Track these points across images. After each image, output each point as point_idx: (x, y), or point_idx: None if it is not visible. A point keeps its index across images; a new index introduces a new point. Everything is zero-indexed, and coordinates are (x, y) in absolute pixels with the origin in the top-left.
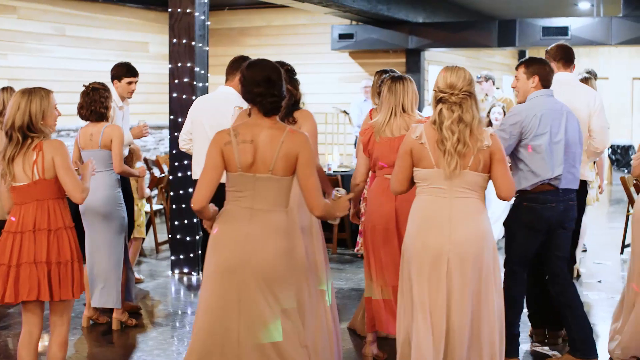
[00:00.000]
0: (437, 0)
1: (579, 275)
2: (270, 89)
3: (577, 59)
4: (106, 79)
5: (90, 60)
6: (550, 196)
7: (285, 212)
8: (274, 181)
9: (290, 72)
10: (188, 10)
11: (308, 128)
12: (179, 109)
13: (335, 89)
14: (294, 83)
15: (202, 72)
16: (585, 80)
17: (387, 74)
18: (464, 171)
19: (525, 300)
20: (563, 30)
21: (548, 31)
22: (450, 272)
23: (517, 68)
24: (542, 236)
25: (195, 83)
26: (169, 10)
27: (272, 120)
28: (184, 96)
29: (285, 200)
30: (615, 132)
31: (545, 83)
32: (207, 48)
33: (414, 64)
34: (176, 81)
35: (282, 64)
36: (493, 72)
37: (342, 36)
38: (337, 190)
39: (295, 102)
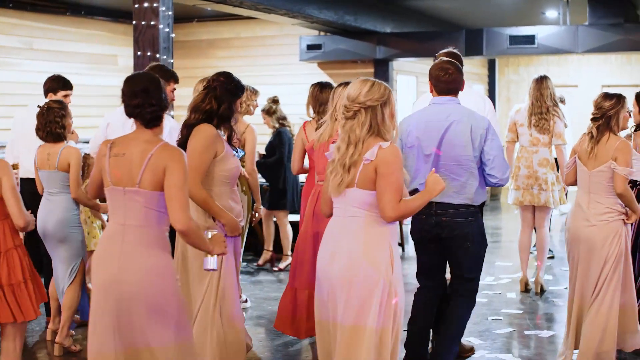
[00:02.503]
0: (405, 11)
1: (543, 291)
2: (148, 99)
3: (547, 68)
4: (78, 92)
5: (60, 74)
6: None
7: (160, 228)
8: (142, 195)
9: (223, 84)
10: (152, 23)
11: (191, 144)
12: None
13: (304, 99)
14: (224, 97)
15: None
16: (545, 78)
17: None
18: (349, 189)
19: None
20: (530, 39)
21: (515, 40)
22: (330, 293)
23: None
24: (429, 248)
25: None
26: (134, 23)
27: (153, 132)
28: None
29: (162, 215)
30: None
31: (439, 89)
32: (172, 60)
33: (382, 74)
34: None
35: (219, 74)
36: None
37: (310, 47)
38: (209, 230)
39: (211, 117)
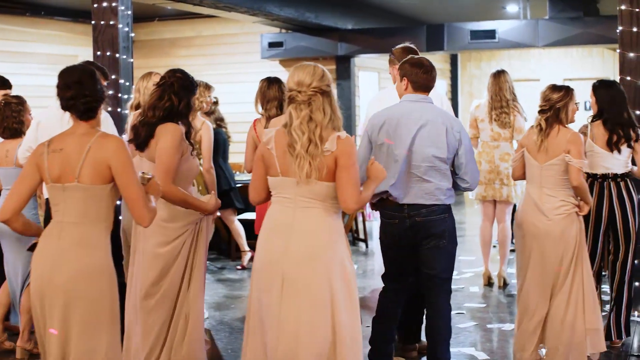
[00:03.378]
0: (365, 7)
1: (506, 284)
2: (81, 90)
3: (509, 62)
4: (37, 92)
5: (20, 74)
6: (393, 212)
7: (99, 226)
8: (81, 190)
9: (180, 80)
10: (111, 23)
11: (162, 144)
12: None
13: None
14: (182, 94)
15: (127, 84)
16: (503, 72)
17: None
18: (308, 179)
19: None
20: (491, 34)
21: (476, 35)
22: (285, 287)
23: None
24: (401, 253)
25: (120, 95)
26: (93, 23)
27: (89, 125)
28: (109, 109)
29: (102, 212)
30: None
31: (416, 86)
32: (132, 60)
33: (344, 70)
34: None
35: (174, 71)
36: None
37: (271, 44)
38: (143, 173)
39: (172, 114)
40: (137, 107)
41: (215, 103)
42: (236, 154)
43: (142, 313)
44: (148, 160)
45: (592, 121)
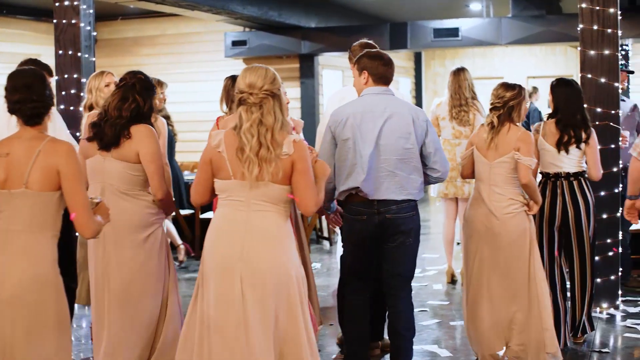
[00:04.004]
0: (329, 5)
1: (454, 280)
2: (29, 95)
3: (473, 60)
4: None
5: None
6: (361, 207)
7: (46, 234)
8: (29, 197)
9: (142, 82)
10: (73, 21)
11: (145, 151)
12: (66, 121)
13: None
14: (145, 94)
15: None
16: (462, 70)
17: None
18: (261, 182)
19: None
20: (454, 32)
21: (439, 33)
22: (245, 291)
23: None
24: (368, 250)
25: (82, 94)
26: (54, 21)
27: (36, 130)
28: (71, 108)
29: (49, 219)
30: None
31: (376, 78)
32: (94, 59)
33: (307, 69)
34: (63, 93)
35: (135, 72)
36: None
37: (235, 43)
38: (92, 199)
39: (139, 115)
40: (91, 107)
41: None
42: (200, 153)
43: (120, 312)
44: (117, 159)
45: (547, 119)
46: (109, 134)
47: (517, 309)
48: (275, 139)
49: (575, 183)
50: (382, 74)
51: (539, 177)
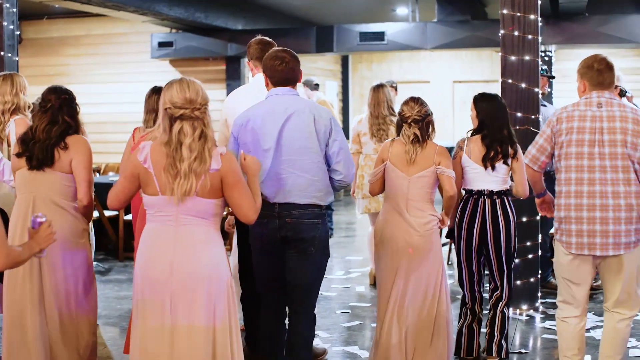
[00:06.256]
0: (256, 8)
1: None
2: None
3: (400, 64)
4: None
5: None
6: (262, 210)
7: None
8: None
9: (67, 102)
10: None
11: (80, 158)
12: None
13: None
14: (73, 112)
15: None
16: (381, 87)
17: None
18: (188, 197)
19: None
20: (379, 36)
21: (365, 36)
22: (175, 305)
23: None
24: (272, 256)
25: None
26: None
27: None
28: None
29: None
30: (438, 135)
31: (274, 81)
32: (17, 58)
33: (234, 71)
34: None
35: (58, 93)
36: (316, 77)
37: (161, 44)
38: (36, 217)
39: (68, 129)
40: (14, 111)
41: None
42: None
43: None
44: (53, 171)
45: (470, 135)
46: (40, 157)
47: (424, 330)
48: (211, 152)
49: (498, 201)
50: (280, 78)
51: (462, 192)
